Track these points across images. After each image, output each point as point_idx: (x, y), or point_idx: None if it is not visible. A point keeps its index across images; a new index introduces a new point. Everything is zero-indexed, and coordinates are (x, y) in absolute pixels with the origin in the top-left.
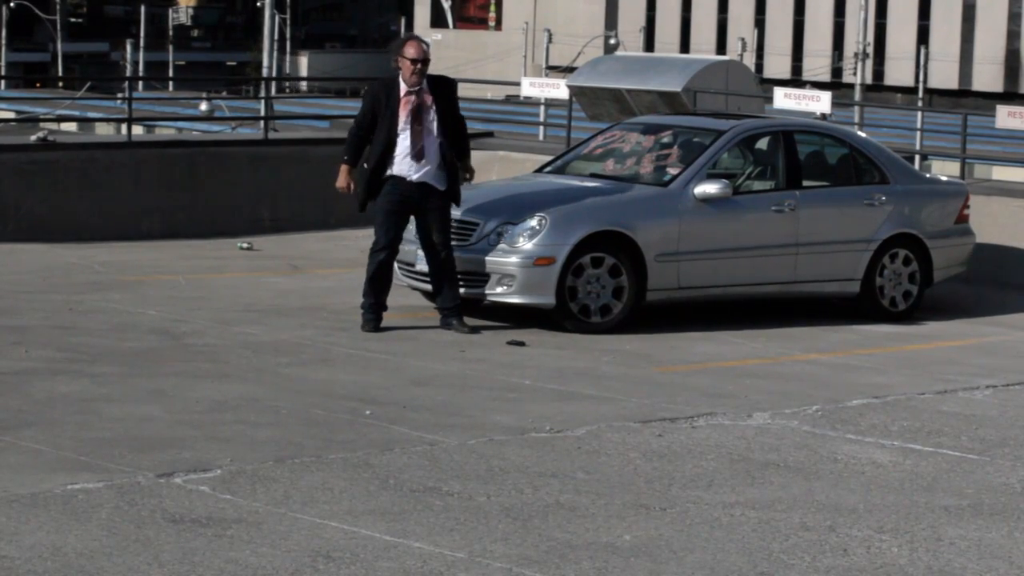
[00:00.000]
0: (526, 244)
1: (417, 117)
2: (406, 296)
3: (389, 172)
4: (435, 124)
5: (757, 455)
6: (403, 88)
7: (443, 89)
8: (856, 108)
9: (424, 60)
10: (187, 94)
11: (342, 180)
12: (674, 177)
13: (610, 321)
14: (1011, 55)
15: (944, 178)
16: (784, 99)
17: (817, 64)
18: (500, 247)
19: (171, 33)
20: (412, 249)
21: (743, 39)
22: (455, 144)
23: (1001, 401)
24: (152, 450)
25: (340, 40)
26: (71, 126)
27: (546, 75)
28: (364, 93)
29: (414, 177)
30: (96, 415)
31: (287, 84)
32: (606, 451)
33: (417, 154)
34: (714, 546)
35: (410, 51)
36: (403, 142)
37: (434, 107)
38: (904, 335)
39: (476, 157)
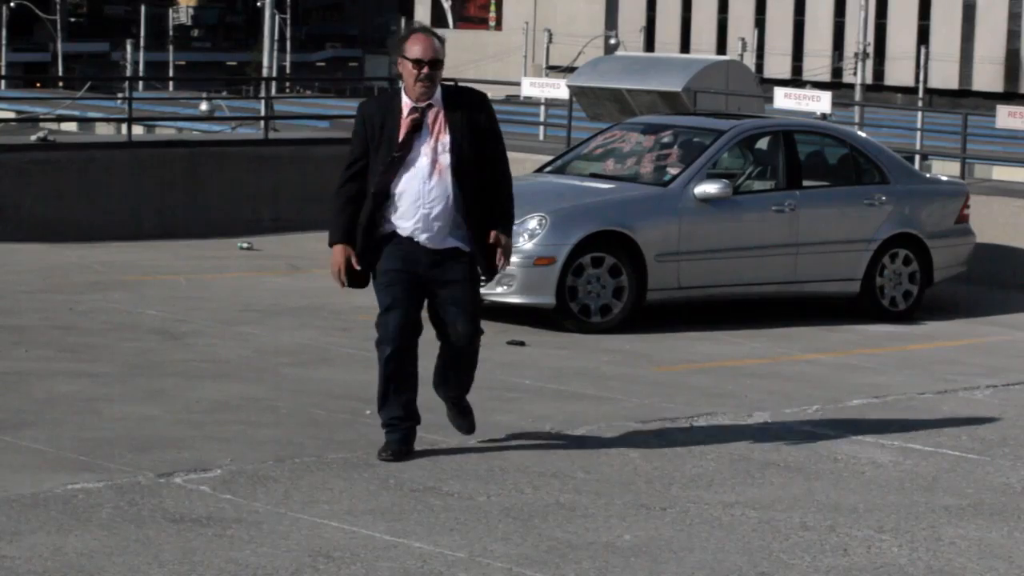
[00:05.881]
0: (526, 244)
1: (425, 146)
2: None
3: (386, 229)
4: (450, 157)
5: (757, 455)
6: (406, 104)
7: (468, 108)
8: (856, 108)
9: (433, 61)
10: (187, 94)
11: (335, 265)
12: (674, 177)
13: (610, 321)
14: (1011, 55)
15: (944, 178)
16: (784, 99)
17: (817, 64)
18: None
19: (171, 33)
20: None
21: (743, 39)
22: (489, 198)
23: (1001, 401)
24: (152, 450)
25: (340, 40)
26: (71, 126)
27: (546, 75)
28: (355, 118)
29: (422, 238)
30: (96, 415)
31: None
32: (606, 451)
33: (426, 201)
34: (714, 546)
35: (414, 48)
36: (403, 184)
37: (450, 134)
38: (904, 335)
39: None
